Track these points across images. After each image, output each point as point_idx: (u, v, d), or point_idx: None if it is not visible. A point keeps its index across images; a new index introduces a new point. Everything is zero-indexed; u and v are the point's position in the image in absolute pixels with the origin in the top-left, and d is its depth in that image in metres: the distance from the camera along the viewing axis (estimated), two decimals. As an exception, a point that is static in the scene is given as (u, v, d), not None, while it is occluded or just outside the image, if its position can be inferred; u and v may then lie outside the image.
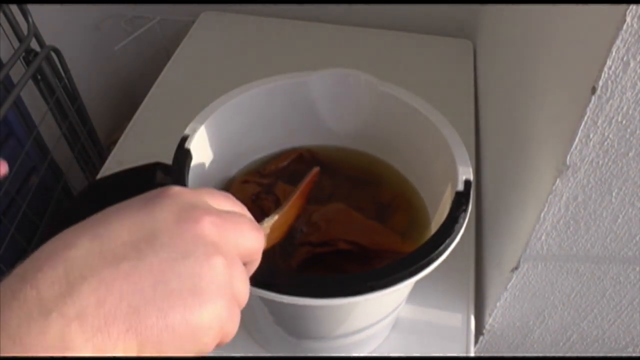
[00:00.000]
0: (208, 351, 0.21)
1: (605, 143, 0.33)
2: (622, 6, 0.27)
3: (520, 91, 0.50)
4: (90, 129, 0.88)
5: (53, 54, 0.78)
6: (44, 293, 0.18)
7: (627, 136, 0.33)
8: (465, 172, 0.40)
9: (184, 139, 0.42)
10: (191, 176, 0.41)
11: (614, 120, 0.32)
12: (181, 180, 0.39)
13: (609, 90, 0.31)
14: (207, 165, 0.46)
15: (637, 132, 0.32)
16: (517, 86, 0.52)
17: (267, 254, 0.35)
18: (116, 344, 0.18)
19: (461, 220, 0.37)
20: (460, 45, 0.85)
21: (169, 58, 0.83)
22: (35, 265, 0.19)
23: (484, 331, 0.53)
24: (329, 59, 0.81)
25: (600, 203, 0.37)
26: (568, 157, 0.34)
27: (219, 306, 0.21)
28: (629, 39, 0.28)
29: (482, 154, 0.66)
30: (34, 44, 0.74)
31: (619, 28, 0.28)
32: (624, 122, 0.32)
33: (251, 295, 0.34)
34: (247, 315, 0.47)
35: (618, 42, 0.28)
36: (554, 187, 0.37)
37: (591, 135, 0.33)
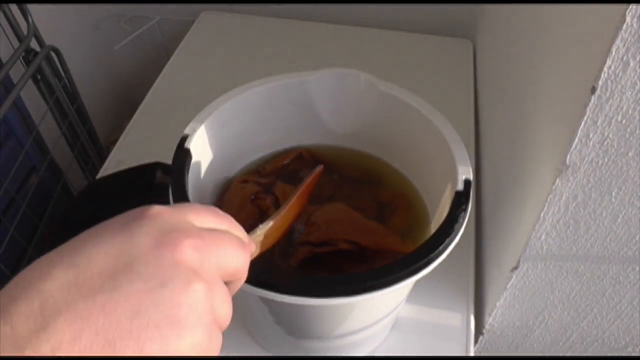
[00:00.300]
0: None
1: (605, 143, 0.33)
2: (622, 6, 0.27)
3: (520, 91, 0.50)
4: (90, 129, 0.88)
5: (53, 54, 0.78)
6: (18, 328, 0.18)
7: (627, 136, 0.33)
8: (465, 172, 0.40)
9: (184, 139, 0.42)
10: (191, 176, 0.41)
11: (614, 120, 0.32)
12: (181, 180, 0.39)
13: (609, 90, 0.31)
14: (207, 165, 0.46)
15: (637, 132, 0.32)
16: (517, 86, 0.52)
17: (267, 254, 0.35)
18: None
19: (461, 220, 0.37)
20: (460, 45, 0.85)
21: (169, 58, 0.83)
22: (10, 298, 0.19)
23: (484, 331, 0.53)
24: (329, 59, 0.81)
25: (600, 203, 0.37)
26: (568, 157, 0.34)
27: (198, 335, 0.21)
28: (629, 39, 0.28)
29: (482, 154, 0.66)
30: (34, 44, 0.74)
31: (619, 28, 0.28)
32: (624, 122, 0.32)
33: (251, 296, 0.34)
34: (247, 315, 0.47)
35: (618, 42, 0.28)
36: (554, 187, 0.37)
37: (591, 135, 0.33)
